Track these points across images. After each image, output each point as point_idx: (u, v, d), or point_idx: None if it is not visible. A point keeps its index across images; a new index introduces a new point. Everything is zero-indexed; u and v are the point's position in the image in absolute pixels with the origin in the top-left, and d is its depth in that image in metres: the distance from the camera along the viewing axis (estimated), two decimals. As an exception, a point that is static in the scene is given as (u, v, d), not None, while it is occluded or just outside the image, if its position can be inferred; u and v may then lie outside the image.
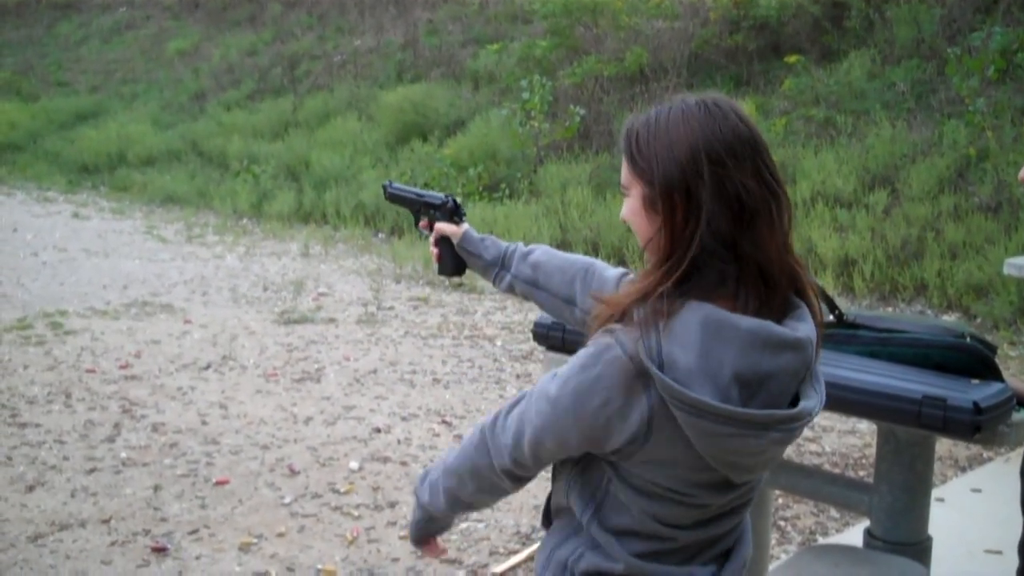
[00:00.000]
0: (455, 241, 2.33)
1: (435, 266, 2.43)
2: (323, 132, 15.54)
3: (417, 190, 2.52)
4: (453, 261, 2.35)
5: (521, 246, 2.27)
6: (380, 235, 12.32)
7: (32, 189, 16.92)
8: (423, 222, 2.44)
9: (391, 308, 8.94)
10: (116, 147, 17.77)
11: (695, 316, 1.46)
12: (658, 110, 1.56)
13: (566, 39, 14.18)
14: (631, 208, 1.60)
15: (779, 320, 1.54)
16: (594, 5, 13.71)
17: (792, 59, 11.87)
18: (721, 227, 1.48)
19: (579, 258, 2.18)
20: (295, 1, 22.00)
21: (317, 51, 19.08)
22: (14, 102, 21.47)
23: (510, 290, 2.26)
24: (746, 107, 9.47)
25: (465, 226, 2.35)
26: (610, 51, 13.47)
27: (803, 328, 1.56)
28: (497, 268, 2.28)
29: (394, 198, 2.56)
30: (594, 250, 10.28)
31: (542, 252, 2.23)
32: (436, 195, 2.45)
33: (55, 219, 14.05)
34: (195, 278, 10.14)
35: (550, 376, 1.59)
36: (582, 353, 1.53)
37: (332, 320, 8.48)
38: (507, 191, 12.18)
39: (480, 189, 12.35)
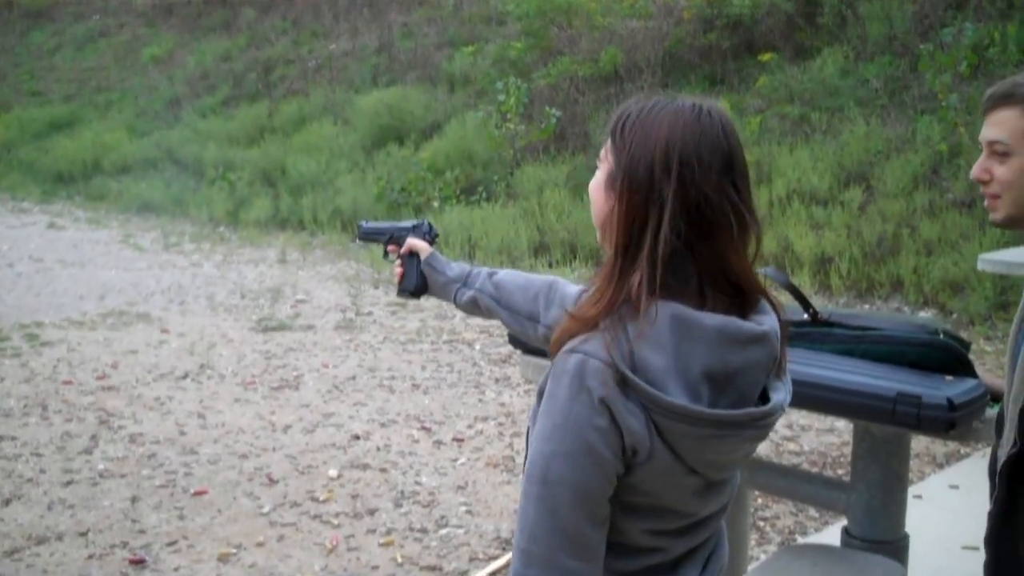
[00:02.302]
0: (422, 256, 2.37)
1: (396, 286, 2.45)
2: (299, 137, 15.50)
3: (391, 222, 2.56)
4: (416, 279, 2.38)
5: (486, 268, 2.32)
6: (357, 240, 12.27)
7: (6, 200, 16.84)
8: (391, 246, 2.46)
9: (369, 314, 8.91)
10: (91, 156, 17.70)
11: (663, 315, 1.45)
12: (656, 100, 1.55)
13: (541, 40, 14.18)
14: (595, 181, 1.60)
15: (744, 316, 1.54)
16: (568, 6, 13.73)
17: (766, 57, 11.91)
18: (680, 227, 1.47)
19: (541, 276, 2.22)
20: (269, 6, 21.94)
21: (292, 56, 19.03)
22: (-13, 112, 21.37)
23: (471, 306, 2.30)
24: (721, 105, 9.52)
25: (435, 247, 2.42)
26: (585, 52, 13.48)
27: (768, 321, 1.56)
28: (459, 285, 2.32)
29: (367, 235, 2.60)
30: (572, 252, 10.28)
31: (506, 273, 2.28)
32: (410, 220, 2.51)
33: (30, 230, 13.97)
34: (172, 287, 10.10)
35: (539, 442, 1.48)
36: (562, 383, 1.46)
37: (310, 327, 8.45)
38: (484, 194, 12.18)
39: (457, 192, 12.33)
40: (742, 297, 1.54)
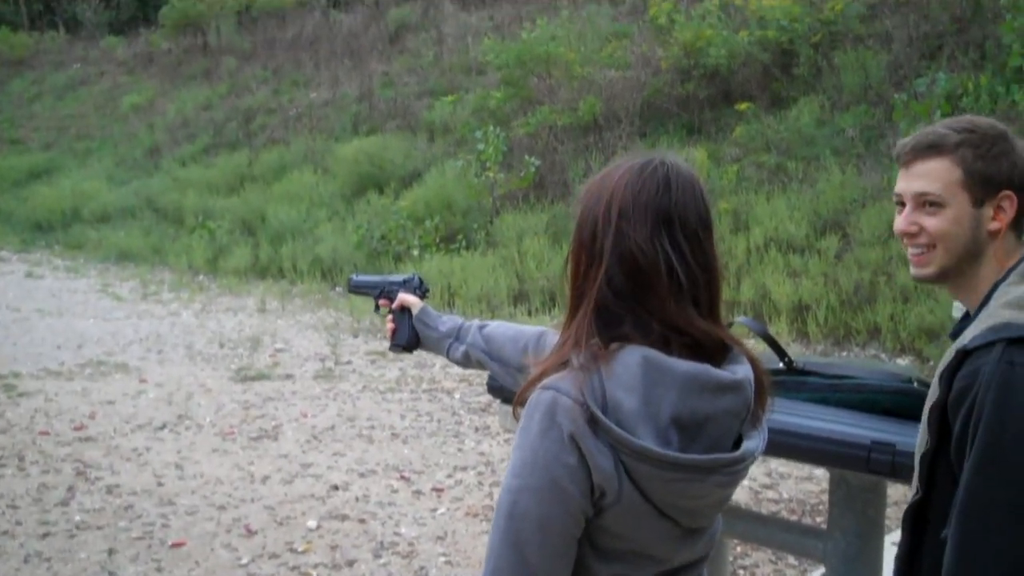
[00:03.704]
0: (414, 312, 2.41)
1: (388, 342, 2.48)
2: (279, 186, 15.54)
3: (381, 276, 2.59)
4: (408, 333, 2.42)
5: (476, 320, 2.38)
6: (337, 289, 12.29)
7: (-15, 249, 16.77)
8: (383, 300, 2.49)
9: (349, 363, 8.90)
10: (70, 204, 17.67)
11: (634, 358, 1.48)
12: (620, 161, 1.60)
13: (520, 90, 14.30)
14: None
15: (717, 364, 1.56)
16: (547, 56, 13.85)
17: (743, 106, 12.03)
18: (616, 280, 1.51)
19: (531, 328, 2.26)
20: (250, 55, 22.08)
21: (272, 104, 19.12)
22: (-34, 161, 21.32)
23: (464, 360, 2.36)
24: (698, 155, 9.47)
25: (425, 302, 2.46)
26: (563, 101, 13.59)
27: (741, 370, 1.58)
28: (451, 340, 2.39)
29: (358, 288, 2.62)
30: (551, 300, 10.30)
31: (496, 325, 2.34)
32: (401, 275, 2.56)
33: (8, 279, 13.91)
34: (150, 336, 10.06)
35: (508, 476, 1.50)
36: (533, 419, 1.48)
37: (289, 376, 8.43)
38: (464, 242, 12.21)
39: (437, 241, 12.36)
40: (700, 346, 1.56)
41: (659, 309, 1.51)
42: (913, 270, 1.98)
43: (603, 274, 1.51)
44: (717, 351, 1.58)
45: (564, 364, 1.52)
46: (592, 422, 1.44)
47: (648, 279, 1.51)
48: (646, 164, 1.56)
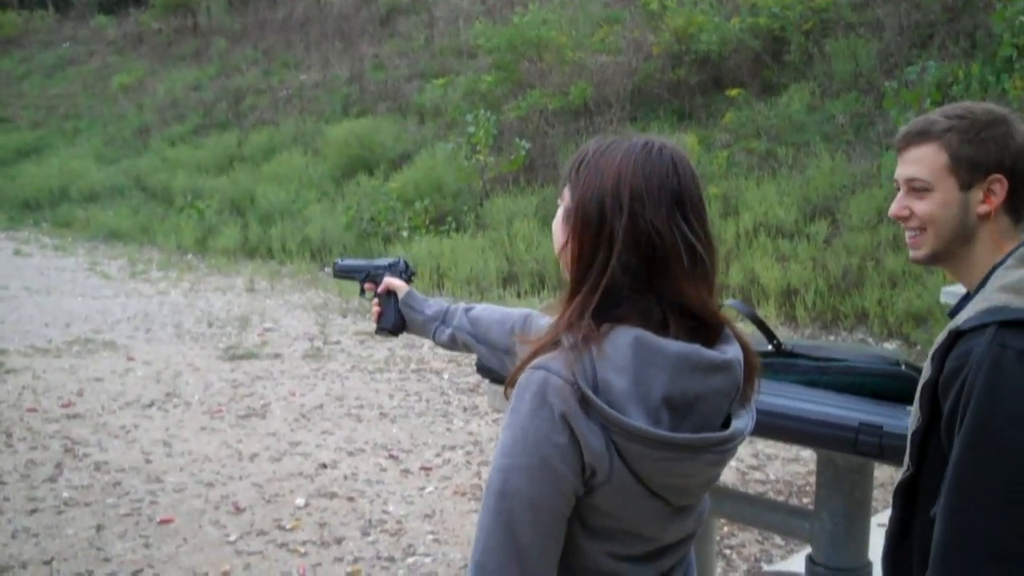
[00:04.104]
0: (400, 295, 2.42)
1: (374, 325, 2.48)
2: (268, 167, 15.51)
3: (367, 259, 2.59)
4: (394, 317, 2.42)
5: (463, 303, 2.38)
6: (326, 269, 12.27)
7: (-28, 226, 16.72)
8: (368, 284, 2.50)
9: (337, 342, 8.91)
10: (58, 183, 17.62)
11: (625, 339, 1.48)
12: (613, 140, 1.60)
13: (511, 73, 14.29)
14: (557, 216, 1.65)
15: (710, 345, 1.57)
16: (538, 40, 13.84)
17: (733, 92, 12.04)
18: (631, 262, 1.51)
19: (518, 310, 2.26)
20: (240, 36, 22.00)
21: (262, 86, 19.07)
22: (-47, 139, 21.25)
23: (450, 343, 2.37)
24: (688, 140, 9.49)
25: (412, 285, 2.46)
26: (554, 85, 13.59)
27: (731, 351, 1.59)
28: (437, 323, 2.39)
29: (343, 272, 2.62)
30: (540, 282, 10.32)
31: (482, 308, 2.34)
32: (387, 258, 2.55)
33: (-5, 256, 13.88)
34: (139, 314, 10.05)
35: (499, 456, 1.50)
36: (524, 398, 1.48)
37: (278, 355, 8.43)
38: (454, 224, 12.21)
39: (426, 222, 12.37)
40: (704, 327, 1.58)
41: (674, 291, 1.52)
42: (910, 253, 2.02)
43: (615, 258, 1.50)
44: (711, 332, 1.59)
45: (555, 344, 1.53)
46: (583, 402, 1.45)
47: (665, 262, 1.51)
48: (649, 145, 1.56)
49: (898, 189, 2.03)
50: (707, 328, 1.58)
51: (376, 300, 2.46)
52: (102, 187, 17.26)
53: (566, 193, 1.62)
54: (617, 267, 1.50)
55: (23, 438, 6.28)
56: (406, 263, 2.51)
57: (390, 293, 2.44)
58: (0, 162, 19.76)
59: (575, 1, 16.11)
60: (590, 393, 1.44)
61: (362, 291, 2.53)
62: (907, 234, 2.02)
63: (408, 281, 2.48)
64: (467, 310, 2.35)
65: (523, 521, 1.47)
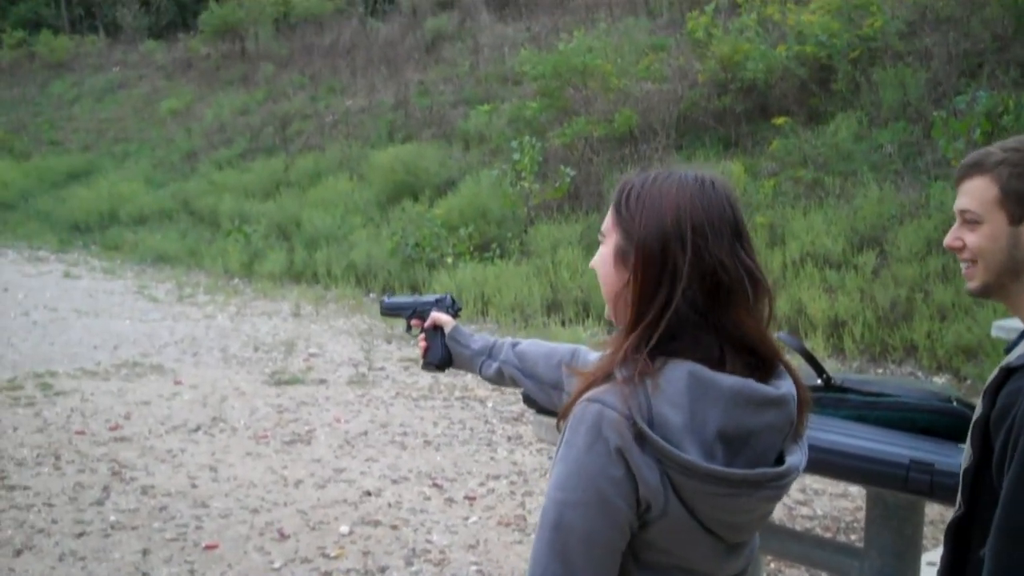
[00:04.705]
0: (446, 330, 2.44)
1: (420, 360, 2.52)
2: (314, 191, 15.62)
3: (413, 296, 2.63)
4: (441, 351, 2.45)
5: (509, 339, 2.38)
6: (371, 295, 12.33)
7: (23, 248, 16.95)
8: (415, 320, 2.52)
9: (382, 369, 8.93)
10: (107, 206, 17.84)
11: (679, 373, 1.48)
12: (658, 172, 1.60)
13: (556, 101, 14.31)
14: (602, 256, 1.63)
15: (764, 380, 1.56)
16: (583, 67, 13.86)
17: (780, 121, 11.99)
18: (697, 297, 1.51)
19: (565, 345, 2.27)
20: (287, 61, 22.22)
21: (309, 111, 19.23)
22: (6, 161, 21.59)
23: (497, 377, 2.38)
24: (734, 169, 9.47)
25: (457, 320, 2.49)
26: (600, 112, 13.60)
27: (785, 385, 1.58)
28: (484, 357, 2.40)
29: (390, 310, 2.66)
30: (584, 310, 10.30)
31: (529, 343, 2.35)
32: (433, 295, 2.59)
33: (46, 278, 14.06)
34: (186, 338, 10.14)
35: (553, 489, 1.51)
36: (579, 432, 1.49)
37: (323, 381, 8.47)
38: (498, 251, 12.23)
39: (471, 249, 12.39)
40: (759, 361, 1.57)
41: (734, 324, 1.52)
42: (966, 284, 2.03)
43: (680, 293, 1.50)
44: (767, 367, 1.59)
45: (608, 377, 1.53)
46: (639, 436, 1.45)
47: (729, 295, 1.51)
48: (703, 179, 1.57)
49: (956, 219, 2.03)
50: (762, 362, 1.57)
51: (422, 335, 2.49)
52: (150, 210, 17.45)
53: (612, 228, 1.61)
54: (682, 302, 1.50)
55: (71, 460, 6.34)
56: (452, 298, 2.54)
57: (436, 328, 2.47)
58: (51, 185, 20.03)
59: (620, 29, 16.13)
60: (646, 428, 1.44)
61: (408, 327, 2.56)
62: (962, 265, 2.01)
63: (454, 316, 2.50)
64: (514, 344, 2.36)
65: (578, 554, 1.48)
